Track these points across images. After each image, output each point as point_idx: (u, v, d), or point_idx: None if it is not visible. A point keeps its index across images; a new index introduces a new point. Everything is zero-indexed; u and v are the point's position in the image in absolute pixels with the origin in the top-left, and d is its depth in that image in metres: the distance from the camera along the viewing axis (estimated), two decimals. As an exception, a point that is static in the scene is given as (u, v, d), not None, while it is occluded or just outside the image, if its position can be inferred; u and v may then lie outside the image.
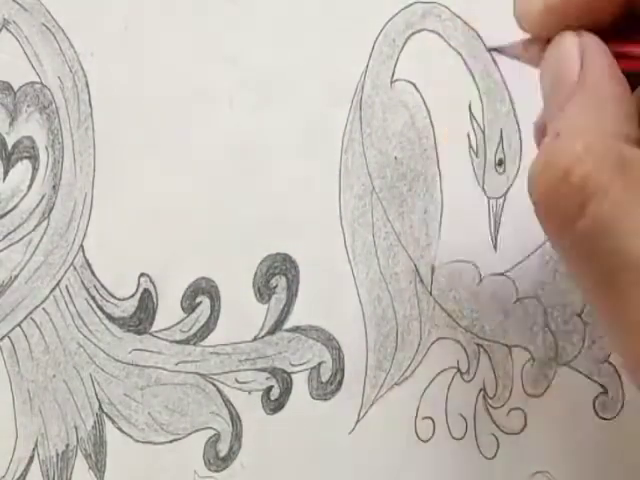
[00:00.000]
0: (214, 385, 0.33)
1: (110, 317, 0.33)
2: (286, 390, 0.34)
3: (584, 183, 0.23)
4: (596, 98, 0.24)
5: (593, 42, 0.25)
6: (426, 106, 0.35)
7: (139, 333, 0.33)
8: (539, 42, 0.26)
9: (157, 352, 0.33)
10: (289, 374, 0.34)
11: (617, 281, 0.22)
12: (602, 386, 0.38)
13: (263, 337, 0.34)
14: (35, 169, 0.33)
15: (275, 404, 0.34)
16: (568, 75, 0.25)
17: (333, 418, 0.34)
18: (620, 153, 0.23)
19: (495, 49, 0.29)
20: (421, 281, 0.36)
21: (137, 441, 0.33)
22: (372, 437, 0.35)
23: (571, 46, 0.25)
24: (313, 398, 0.34)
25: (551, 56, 0.26)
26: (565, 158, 0.23)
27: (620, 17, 0.26)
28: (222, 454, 0.33)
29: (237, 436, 0.33)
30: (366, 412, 0.35)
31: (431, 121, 0.35)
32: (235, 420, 0.33)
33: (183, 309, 0.33)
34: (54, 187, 0.33)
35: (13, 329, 0.33)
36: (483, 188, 0.36)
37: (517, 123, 0.36)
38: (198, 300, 0.33)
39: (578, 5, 0.25)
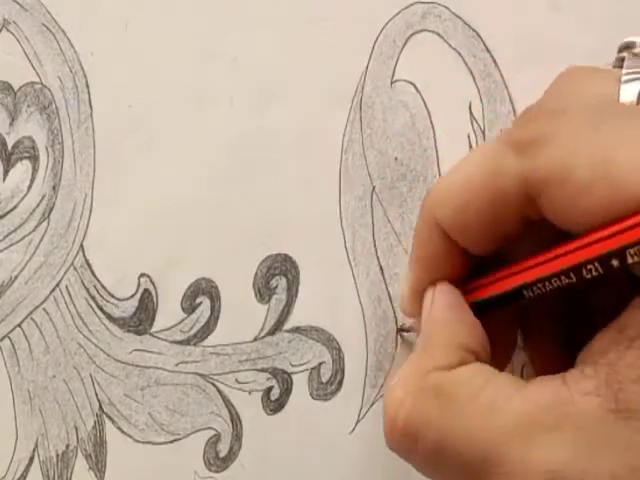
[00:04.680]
0: (214, 385, 0.33)
1: (110, 317, 0.33)
2: (286, 390, 0.34)
3: (408, 423, 0.27)
4: (424, 340, 0.28)
5: (441, 288, 0.29)
6: (426, 106, 0.35)
7: (139, 333, 0.33)
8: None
9: (157, 352, 0.33)
10: (289, 374, 0.34)
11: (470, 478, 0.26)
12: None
13: (263, 337, 0.34)
14: (35, 169, 0.33)
15: (275, 404, 0.34)
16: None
17: (333, 418, 0.34)
18: (434, 382, 0.27)
19: (402, 329, 0.34)
20: (421, 281, 0.36)
21: (137, 441, 0.33)
22: (372, 437, 0.35)
23: (427, 300, 0.29)
24: (313, 398, 0.34)
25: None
26: (390, 407, 0.27)
27: (471, 270, 0.29)
28: (222, 454, 0.33)
29: (237, 436, 0.33)
30: (366, 412, 0.35)
31: (431, 121, 0.35)
32: (235, 420, 0.33)
33: (183, 309, 0.33)
34: (54, 187, 0.33)
35: (13, 329, 0.33)
36: (483, 188, 0.36)
37: (517, 123, 0.36)
38: (198, 300, 0.33)
39: (431, 279, 0.30)
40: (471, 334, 0.28)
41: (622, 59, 0.29)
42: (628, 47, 0.29)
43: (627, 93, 0.27)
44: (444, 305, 0.29)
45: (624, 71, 0.28)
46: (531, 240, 0.29)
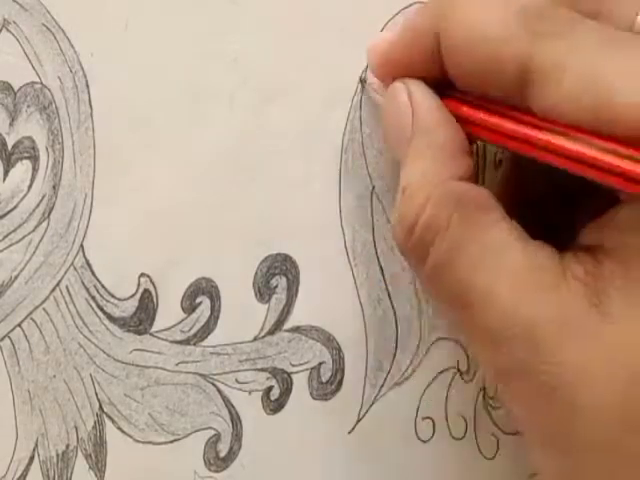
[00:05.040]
0: (214, 385, 0.33)
1: (110, 317, 0.33)
2: (286, 390, 0.34)
3: (427, 227, 0.27)
4: (429, 146, 0.28)
5: (420, 89, 0.29)
6: (426, 106, 0.35)
7: (139, 333, 0.33)
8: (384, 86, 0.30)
9: (157, 352, 0.33)
10: (289, 374, 0.34)
11: (462, 304, 0.27)
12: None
13: (263, 337, 0.34)
14: (35, 169, 0.33)
15: (275, 404, 0.34)
16: (403, 126, 0.29)
17: (333, 418, 0.34)
18: (455, 192, 0.27)
19: (362, 79, 0.33)
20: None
21: (137, 441, 0.33)
22: (372, 437, 0.35)
23: (401, 96, 0.29)
24: (313, 398, 0.34)
25: (387, 107, 0.30)
26: (409, 213, 0.28)
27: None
28: (222, 454, 0.33)
29: (237, 436, 0.33)
30: (366, 412, 0.35)
31: (431, 121, 0.35)
32: (235, 420, 0.33)
33: (183, 309, 0.33)
34: (54, 187, 0.33)
35: (13, 329, 0.33)
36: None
37: (517, 123, 0.36)
38: (198, 300, 0.34)
39: (404, 57, 0.29)
40: (466, 144, 0.28)
41: None
42: None
43: None
44: (432, 106, 0.28)
45: None
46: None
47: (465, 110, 0.28)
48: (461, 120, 0.28)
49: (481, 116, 0.28)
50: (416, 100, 0.29)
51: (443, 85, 0.29)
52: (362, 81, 0.33)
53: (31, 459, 0.32)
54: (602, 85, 0.24)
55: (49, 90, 0.33)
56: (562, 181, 0.29)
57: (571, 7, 0.27)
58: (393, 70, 0.30)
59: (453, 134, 0.28)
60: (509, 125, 0.27)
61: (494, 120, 0.27)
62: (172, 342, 0.33)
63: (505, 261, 0.26)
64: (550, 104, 0.26)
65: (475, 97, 0.28)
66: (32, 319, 0.33)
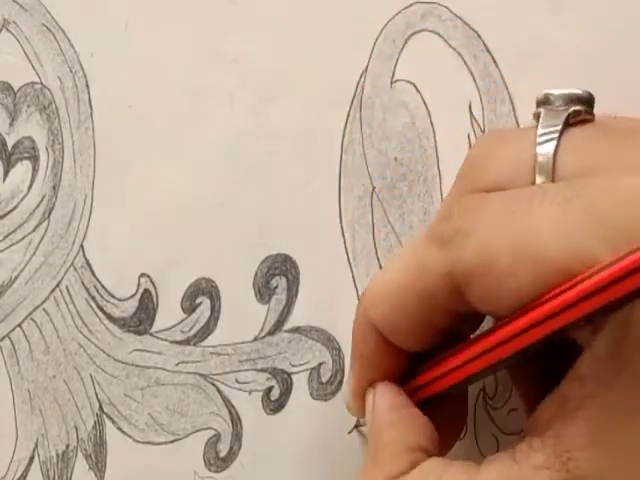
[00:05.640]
0: (214, 385, 0.33)
1: (110, 317, 0.33)
2: (286, 390, 0.34)
3: None
4: (373, 449, 0.28)
5: (380, 390, 0.29)
6: (426, 106, 0.35)
7: (139, 333, 0.33)
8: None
9: (157, 352, 0.33)
10: (289, 374, 0.34)
11: None
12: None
13: (263, 337, 0.34)
14: (35, 169, 0.33)
15: (275, 404, 0.34)
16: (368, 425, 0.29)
17: (333, 418, 0.34)
18: None
19: (358, 425, 0.33)
20: (421, 281, 0.36)
21: (137, 441, 0.33)
22: (372, 437, 0.35)
23: (368, 403, 0.29)
24: (313, 398, 0.34)
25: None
26: None
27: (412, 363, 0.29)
28: (222, 454, 0.33)
29: (237, 436, 0.33)
30: (366, 412, 0.35)
31: (431, 122, 0.35)
32: (235, 420, 0.33)
33: (183, 309, 0.33)
34: (54, 187, 0.33)
35: (13, 329, 0.33)
36: (483, 188, 0.36)
37: (517, 123, 0.36)
38: (198, 300, 0.34)
39: (371, 379, 0.29)
40: (418, 432, 0.28)
41: (539, 115, 0.28)
42: (545, 102, 0.28)
43: (542, 158, 0.26)
44: (386, 407, 0.29)
45: (539, 131, 0.27)
46: (470, 326, 0.29)
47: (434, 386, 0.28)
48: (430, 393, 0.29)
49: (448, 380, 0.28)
50: (375, 402, 0.29)
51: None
52: (358, 426, 0.34)
53: (31, 459, 0.32)
54: (534, 254, 0.24)
55: (49, 90, 0.33)
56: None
57: (474, 190, 0.27)
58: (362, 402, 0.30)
59: (397, 433, 0.28)
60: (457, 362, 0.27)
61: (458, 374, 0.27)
62: (172, 342, 0.33)
63: None
64: (494, 293, 0.25)
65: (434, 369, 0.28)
66: (32, 319, 0.33)
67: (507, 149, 0.28)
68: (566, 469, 0.24)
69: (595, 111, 0.28)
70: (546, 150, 0.26)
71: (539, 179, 0.26)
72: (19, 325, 0.33)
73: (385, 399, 0.29)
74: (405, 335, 0.28)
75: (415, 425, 0.28)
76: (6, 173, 0.33)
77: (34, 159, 0.33)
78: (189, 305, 0.33)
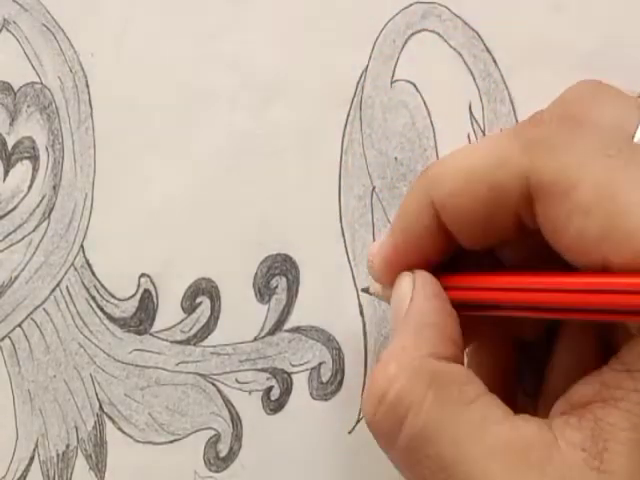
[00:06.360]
0: (214, 385, 0.33)
1: (110, 317, 0.33)
2: (286, 390, 0.34)
3: (399, 399, 0.25)
4: (415, 325, 0.27)
5: (422, 278, 0.28)
6: (426, 106, 0.35)
7: (139, 333, 0.33)
8: (390, 287, 0.29)
9: (157, 352, 0.33)
10: (289, 374, 0.34)
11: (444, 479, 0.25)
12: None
13: (263, 337, 0.34)
14: (35, 169, 0.33)
15: (275, 404, 0.34)
16: (401, 310, 0.28)
17: (333, 418, 0.34)
18: (432, 369, 0.26)
19: (364, 289, 0.32)
20: (421, 281, 0.36)
21: (137, 441, 0.33)
22: (372, 437, 0.35)
23: (405, 285, 0.28)
24: (313, 398, 0.34)
25: (393, 296, 0.29)
26: (381, 381, 0.26)
27: (448, 256, 0.29)
28: (222, 454, 0.33)
29: (237, 436, 0.33)
30: (366, 412, 0.35)
31: (431, 121, 0.35)
32: (235, 420, 0.33)
33: (183, 309, 0.33)
34: (54, 187, 0.33)
35: (14, 329, 0.33)
36: (483, 188, 0.36)
37: (517, 123, 0.36)
38: (198, 300, 0.34)
39: (408, 255, 0.29)
40: (457, 330, 0.27)
41: None
42: None
43: None
44: (433, 294, 0.28)
45: None
46: (524, 251, 0.28)
47: (468, 294, 0.28)
48: (465, 307, 0.28)
49: (482, 296, 0.27)
50: (417, 287, 0.28)
51: (452, 265, 0.29)
52: (365, 291, 0.33)
53: (31, 459, 0.32)
54: (616, 203, 0.24)
55: (49, 90, 0.33)
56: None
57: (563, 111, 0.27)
58: (399, 270, 0.30)
59: (443, 320, 0.27)
60: (509, 296, 0.27)
61: (494, 295, 0.27)
62: (172, 342, 0.33)
63: (490, 437, 0.25)
64: (561, 218, 0.25)
65: (478, 278, 0.28)
66: (32, 319, 0.33)
67: (612, 108, 0.26)
68: (600, 459, 0.23)
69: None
70: None
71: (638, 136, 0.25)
72: (19, 325, 0.33)
73: (432, 286, 0.28)
74: (462, 222, 0.27)
75: (456, 323, 0.28)
76: (6, 173, 0.33)
77: (34, 159, 0.33)
78: (189, 305, 0.33)
